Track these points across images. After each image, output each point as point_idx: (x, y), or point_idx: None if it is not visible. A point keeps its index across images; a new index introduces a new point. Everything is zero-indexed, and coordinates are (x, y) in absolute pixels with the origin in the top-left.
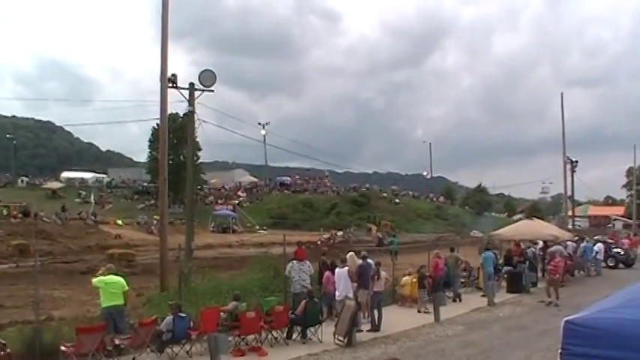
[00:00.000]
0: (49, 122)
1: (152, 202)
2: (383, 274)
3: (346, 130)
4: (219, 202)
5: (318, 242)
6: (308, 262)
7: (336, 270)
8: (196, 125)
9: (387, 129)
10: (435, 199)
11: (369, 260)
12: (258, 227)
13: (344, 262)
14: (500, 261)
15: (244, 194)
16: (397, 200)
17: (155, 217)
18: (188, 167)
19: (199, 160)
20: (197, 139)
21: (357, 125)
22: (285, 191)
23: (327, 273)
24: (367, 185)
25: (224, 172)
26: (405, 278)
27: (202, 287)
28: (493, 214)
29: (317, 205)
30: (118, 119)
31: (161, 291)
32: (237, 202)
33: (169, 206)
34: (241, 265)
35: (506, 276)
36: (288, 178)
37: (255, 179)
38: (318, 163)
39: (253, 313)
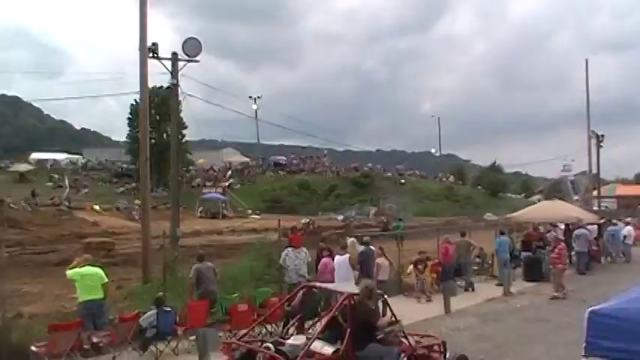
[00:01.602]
0: (15, 98)
1: (133, 185)
2: (380, 260)
3: (346, 104)
4: (208, 184)
5: (295, 227)
6: (305, 250)
7: (336, 257)
8: (180, 100)
9: (392, 102)
10: (444, 179)
11: (372, 247)
12: (250, 212)
13: (344, 248)
14: (517, 246)
15: (230, 177)
16: (403, 181)
17: (136, 201)
18: (172, 146)
19: (184, 139)
20: (181, 115)
21: (359, 98)
22: (280, 172)
23: (325, 259)
24: (370, 165)
25: (212, 151)
26: (411, 266)
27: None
28: (509, 194)
29: (315, 187)
30: (93, 94)
31: (144, 283)
32: (227, 184)
33: (152, 190)
34: (232, 254)
35: (523, 263)
36: (283, 158)
37: (246, 159)
38: (316, 141)
39: (245, 306)
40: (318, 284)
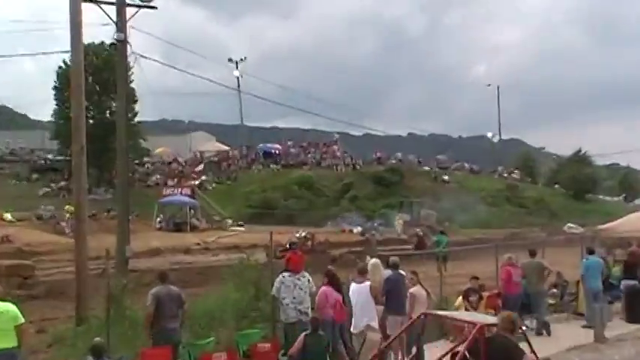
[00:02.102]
0: None
1: (62, 184)
2: (415, 290)
3: (365, 70)
4: (170, 183)
5: (287, 246)
6: (307, 275)
7: (352, 286)
8: (130, 62)
9: (429, 67)
10: (505, 175)
11: (402, 271)
12: (230, 221)
13: (363, 273)
14: (615, 271)
15: (202, 172)
16: (446, 177)
17: (67, 207)
18: (119, 129)
19: (137, 119)
20: (132, 86)
21: (382, 62)
22: (273, 166)
23: (325, 289)
24: (399, 155)
25: (177, 136)
26: (459, 299)
27: (144, 316)
28: (601, 196)
29: (321, 187)
30: (3, 52)
31: (77, 324)
32: (197, 182)
33: (90, 190)
34: (205, 281)
35: (624, 295)
36: (277, 146)
37: (225, 147)
38: (323, 122)
39: (225, 355)
40: (435, 312)
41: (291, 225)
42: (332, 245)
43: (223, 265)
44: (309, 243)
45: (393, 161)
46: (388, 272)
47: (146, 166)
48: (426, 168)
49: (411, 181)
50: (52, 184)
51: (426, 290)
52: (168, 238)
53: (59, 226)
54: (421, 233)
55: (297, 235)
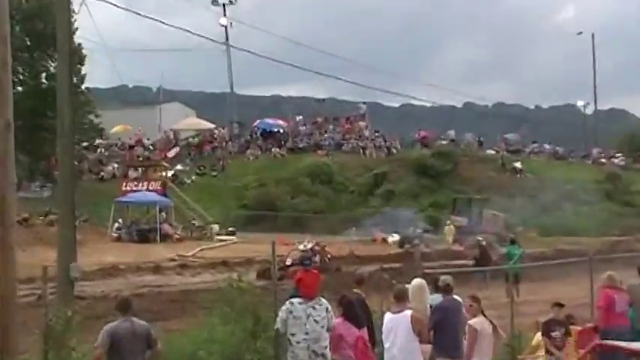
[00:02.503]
0: None
1: None
2: (476, 322)
3: (404, 18)
4: (132, 174)
5: (288, 262)
6: (325, 303)
7: (387, 317)
8: (75, 8)
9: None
10: (604, 161)
11: (457, 296)
12: (217, 228)
13: (401, 299)
14: None
15: (177, 158)
16: (518, 164)
17: None
18: (60, 100)
19: (86, 85)
20: (78, 39)
21: (428, 6)
22: (276, 150)
23: (338, 323)
24: (450, 133)
25: (142, 109)
26: (537, 335)
27: None
28: None
29: (343, 179)
30: None
31: None
32: (170, 174)
33: (20, 185)
34: (183, 311)
35: None
36: (281, 123)
37: (209, 125)
38: (344, 88)
39: None
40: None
41: (300, 232)
42: (359, 260)
43: (207, 289)
44: (318, 258)
45: (444, 142)
46: (437, 298)
47: (99, 150)
48: (490, 152)
49: (468, 170)
50: None
51: (492, 322)
52: (130, 251)
53: None
54: (484, 243)
55: (302, 246)
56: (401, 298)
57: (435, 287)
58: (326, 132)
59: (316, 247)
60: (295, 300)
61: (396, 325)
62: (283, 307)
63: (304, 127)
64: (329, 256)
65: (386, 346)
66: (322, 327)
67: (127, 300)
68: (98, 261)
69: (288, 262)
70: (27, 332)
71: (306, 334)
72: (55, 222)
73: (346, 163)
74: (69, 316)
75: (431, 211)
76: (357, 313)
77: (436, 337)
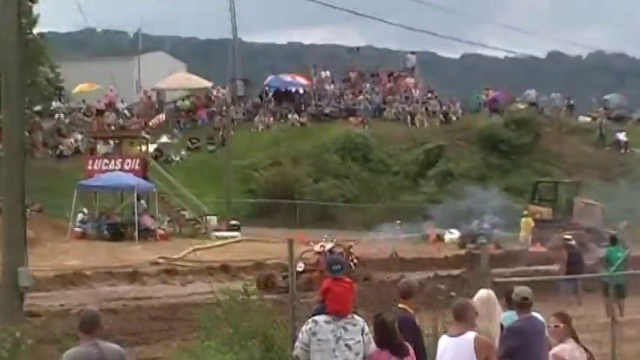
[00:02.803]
0: None
1: None
2: (564, 350)
3: None
4: (102, 149)
5: (299, 269)
6: (361, 322)
7: (443, 342)
8: None
9: None
10: None
11: (537, 314)
12: (215, 221)
13: (461, 318)
14: None
15: (162, 127)
16: (622, 136)
17: None
18: (3, 49)
19: (39, 30)
20: None
21: None
22: (293, 117)
23: (372, 351)
24: (530, 94)
25: (114, 61)
26: None
27: None
28: None
29: (384, 156)
30: None
31: None
32: (153, 149)
33: None
34: (169, 332)
35: None
36: (301, 81)
37: (204, 83)
38: (386, 33)
39: None
40: None
41: (326, 226)
42: (405, 265)
43: (202, 304)
44: (344, 258)
45: (520, 106)
46: (511, 316)
47: (57, 117)
48: (585, 119)
49: (554, 143)
50: None
51: (586, 350)
52: (98, 252)
53: None
54: (574, 242)
55: (318, 247)
56: (462, 317)
57: (508, 302)
58: (361, 93)
59: (337, 248)
60: (321, 318)
61: (454, 353)
62: (304, 328)
63: (332, 87)
64: (355, 260)
65: None
66: (356, 354)
67: (95, 316)
68: (56, 265)
69: (300, 267)
70: None
71: None
72: None
73: (388, 135)
74: (17, 338)
75: (503, 198)
76: (396, 339)
77: None
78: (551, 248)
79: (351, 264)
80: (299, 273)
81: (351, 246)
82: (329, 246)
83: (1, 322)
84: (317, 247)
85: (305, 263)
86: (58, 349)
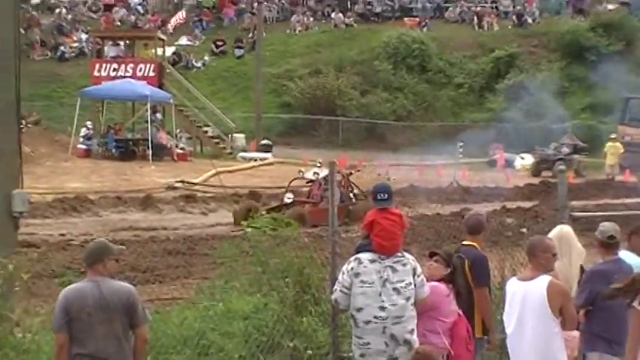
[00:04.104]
0: None
1: None
2: None
3: None
4: (110, 52)
5: (287, 200)
6: (411, 260)
7: (510, 286)
8: None
9: None
10: None
11: (624, 255)
12: (243, 139)
13: (535, 259)
14: None
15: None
16: None
17: None
18: None
19: None
20: None
21: None
22: (337, 17)
23: (432, 287)
24: None
25: None
26: None
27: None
28: None
29: (445, 65)
30: None
31: None
32: (171, 53)
33: None
34: (186, 269)
35: None
36: None
37: None
38: None
39: None
40: None
41: (373, 149)
42: (468, 195)
43: (225, 236)
44: (347, 191)
45: (610, 7)
46: (595, 259)
47: (58, 11)
48: None
49: None
50: None
51: None
52: (105, 173)
53: None
54: None
55: (310, 174)
56: (535, 257)
57: (596, 241)
58: None
59: (344, 174)
60: (365, 256)
61: (525, 299)
62: (346, 267)
63: None
64: (354, 191)
65: (508, 331)
66: (406, 299)
67: (99, 247)
68: (56, 187)
69: (288, 199)
70: None
71: (382, 309)
72: None
73: (450, 40)
74: (10, 272)
75: (586, 118)
76: (461, 277)
77: (590, 320)
78: None
79: (351, 195)
80: (287, 205)
81: (351, 173)
82: (323, 174)
83: None
84: (309, 175)
85: (294, 193)
86: (58, 284)
